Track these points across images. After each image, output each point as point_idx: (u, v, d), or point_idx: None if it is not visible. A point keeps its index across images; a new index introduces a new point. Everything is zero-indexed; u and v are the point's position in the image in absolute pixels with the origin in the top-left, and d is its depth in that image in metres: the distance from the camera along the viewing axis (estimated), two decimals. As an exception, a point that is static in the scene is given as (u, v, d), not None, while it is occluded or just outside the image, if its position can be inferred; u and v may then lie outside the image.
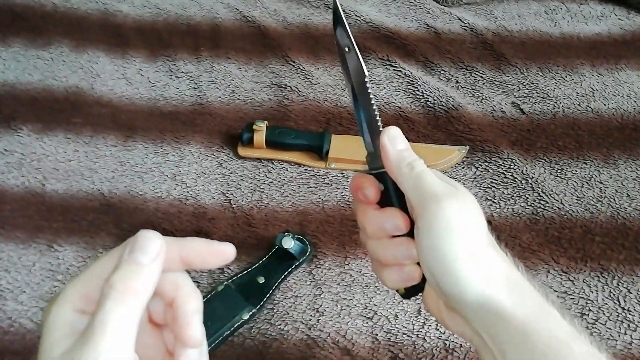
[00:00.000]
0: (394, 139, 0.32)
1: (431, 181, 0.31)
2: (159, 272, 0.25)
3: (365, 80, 0.34)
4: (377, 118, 0.34)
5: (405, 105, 0.70)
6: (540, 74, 0.73)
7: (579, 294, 0.54)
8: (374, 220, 0.33)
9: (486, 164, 0.64)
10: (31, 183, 0.61)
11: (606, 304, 0.53)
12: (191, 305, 0.26)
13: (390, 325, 0.51)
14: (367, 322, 0.52)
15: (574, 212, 0.60)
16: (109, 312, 0.23)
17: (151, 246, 0.25)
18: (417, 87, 0.71)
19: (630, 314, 0.52)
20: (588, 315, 0.52)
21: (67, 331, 0.24)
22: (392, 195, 0.33)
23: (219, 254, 0.28)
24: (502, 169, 0.63)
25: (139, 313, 0.24)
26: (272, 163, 0.64)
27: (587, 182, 0.62)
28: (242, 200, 0.61)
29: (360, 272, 0.55)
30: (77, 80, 0.71)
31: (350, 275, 0.55)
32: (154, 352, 0.28)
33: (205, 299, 0.50)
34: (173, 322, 0.26)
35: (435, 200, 0.30)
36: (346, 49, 0.34)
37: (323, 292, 0.54)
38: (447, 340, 0.50)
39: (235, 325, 0.50)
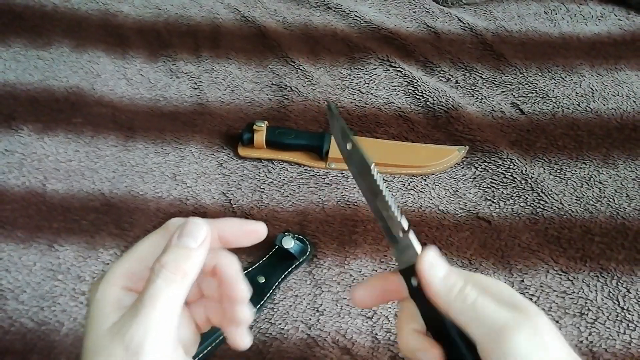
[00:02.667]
0: (433, 267, 0.27)
1: (492, 310, 0.26)
2: (205, 256, 0.27)
3: (372, 168, 0.30)
4: (394, 204, 0.30)
5: (405, 106, 0.70)
6: (540, 74, 0.74)
7: (578, 293, 0.54)
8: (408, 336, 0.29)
9: (486, 164, 0.64)
10: (32, 183, 0.61)
11: (605, 303, 0.53)
12: (234, 266, 0.29)
13: (390, 324, 0.51)
14: (367, 322, 0.52)
15: (573, 212, 0.60)
16: (160, 289, 0.25)
17: (199, 232, 0.27)
18: (416, 88, 0.71)
19: (629, 314, 0.52)
20: (587, 314, 0.52)
21: (114, 306, 0.25)
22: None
23: (252, 232, 0.30)
24: (501, 169, 0.63)
25: (185, 292, 0.26)
26: (272, 163, 0.64)
27: (586, 182, 0.63)
28: (243, 200, 0.61)
29: (360, 271, 0.55)
30: (77, 81, 0.71)
31: (350, 275, 0.55)
32: (186, 328, 0.29)
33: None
34: (221, 284, 0.28)
35: (502, 333, 0.25)
36: (348, 147, 0.31)
37: (323, 291, 0.54)
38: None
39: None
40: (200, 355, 0.48)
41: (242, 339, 0.29)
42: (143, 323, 0.24)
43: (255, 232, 0.30)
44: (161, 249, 0.27)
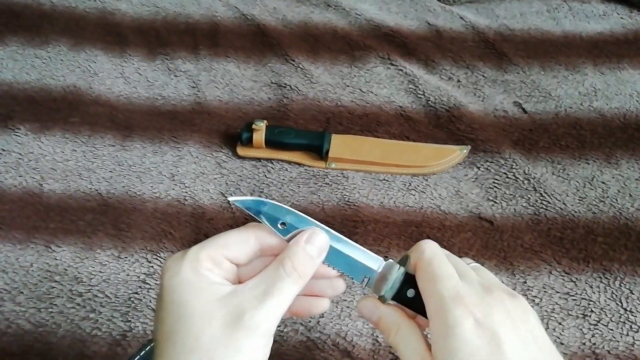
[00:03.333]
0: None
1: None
2: (318, 265, 0.31)
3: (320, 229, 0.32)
4: (359, 245, 0.32)
5: (407, 105, 0.69)
6: (542, 73, 0.73)
7: (581, 294, 0.53)
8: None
9: (488, 163, 0.64)
10: (29, 183, 0.60)
11: (608, 305, 0.53)
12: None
13: (391, 326, 0.51)
14: (367, 324, 0.51)
15: (576, 212, 0.59)
16: (288, 287, 0.29)
17: (323, 245, 0.31)
18: (418, 86, 0.70)
19: (632, 315, 0.52)
20: (590, 316, 0.52)
21: (206, 281, 0.29)
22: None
23: (333, 286, 0.34)
24: (504, 168, 0.63)
25: (299, 291, 0.30)
26: (272, 163, 0.64)
27: (589, 182, 0.62)
28: (242, 201, 0.60)
29: (360, 273, 0.55)
30: (74, 79, 0.70)
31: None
32: None
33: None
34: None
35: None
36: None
37: (323, 293, 0.53)
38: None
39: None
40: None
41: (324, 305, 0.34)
42: (266, 309, 0.28)
43: (333, 287, 0.33)
44: (240, 244, 0.31)
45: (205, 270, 0.29)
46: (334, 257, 0.32)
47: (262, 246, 0.31)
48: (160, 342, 0.28)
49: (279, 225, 0.31)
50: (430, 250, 0.31)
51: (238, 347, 0.27)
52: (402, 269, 0.31)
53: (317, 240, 0.31)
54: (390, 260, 0.32)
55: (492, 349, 0.25)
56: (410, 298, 0.31)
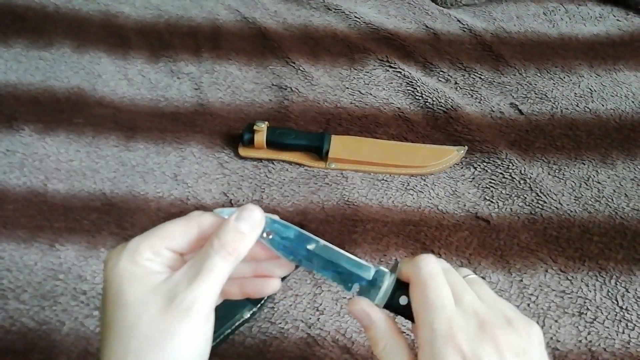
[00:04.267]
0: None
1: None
2: (255, 240, 0.31)
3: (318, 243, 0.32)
4: (351, 255, 0.32)
5: (405, 106, 0.70)
6: (539, 74, 0.74)
7: (577, 293, 0.54)
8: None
9: (485, 164, 0.64)
10: (33, 183, 0.61)
11: (604, 303, 0.53)
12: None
13: (390, 324, 0.52)
14: (366, 321, 0.52)
15: (572, 211, 0.60)
16: (217, 264, 0.29)
17: (254, 218, 0.30)
18: (416, 88, 0.71)
19: (628, 313, 0.53)
20: (586, 314, 0.53)
21: (144, 272, 0.29)
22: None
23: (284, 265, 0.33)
24: (500, 169, 0.64)
25: (233, 269, 0.30)
26: (273, 163, 0.64)
27: (585, 182, 0.63)
28: (243, 200, 0.61)
29: (359, 271, 0.55)
30: (78, 81, 0.71)
31: (350, 274, 0.55)
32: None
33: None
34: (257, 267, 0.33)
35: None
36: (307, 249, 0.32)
37: (323, 291, 0.54)
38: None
39: (236, 324, 0.51)
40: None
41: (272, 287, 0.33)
42: (196, 289, 0.28)
43: (284, 265, 0.33)
44: (181, 234, 0.30)
45: (145, 261, 0.29)
46: (323, 266, 0.32)
47: (204, 234, 0.31)
48: (103, 332, 0.28)
49: (264, 235, 0.31)
50: (427, 269, 0.29)
51: (174, 329, 0.27)
52: (394, 277, 0.31)
53: (247, 215, 0.30)
54: (381, 268, 0.32)
55: None
56: (402, 306, 0.30)
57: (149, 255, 0.29)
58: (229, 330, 0.50)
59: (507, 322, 0.28)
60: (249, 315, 0.51)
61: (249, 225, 0.30)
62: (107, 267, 0.29)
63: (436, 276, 0.29)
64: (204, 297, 0.28)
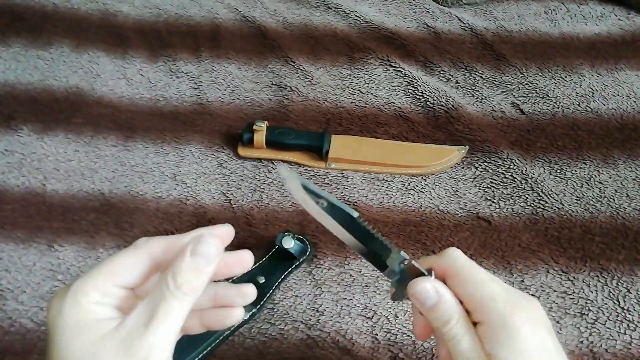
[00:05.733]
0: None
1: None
2: (212, 273, 0.29)
3: (355, 217, 0.32)
4: (389, 242, 0.33)
5: (405, 106, 0.70)
6: (540, 74, 0.74)
7: (578, 293, 0.54)
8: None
9: (486, 164, 0.64)
10: (31, 183, 0.61)
11: (606, 303, 0.53)
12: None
13: (390, 325, 0.51)
14: (367, 322, 0.52)
15: (573, 212, 0.60)
16: (173, 307, 0.27)
17: (211, 253, 0.28)
18: (417, 88, 0.71)
19: (629, 314, 0.52)
20: (588, 315, 0.52)
21: (91, 317, 0.26)
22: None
23: (238, 263, 0.31)
24: (501, 169, 0.63)
25: (191, 306, 0.28)
26: (272, 163, 0.64)
27: (586, 182, 0.62)
28: (242, 200, 0.61)
29: (360, 272, 0.55)
30: (77, 81, 0.71)
31: (350, 275, 0.55)
32: None
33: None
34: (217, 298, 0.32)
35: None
36: (324, 203, 0.31)
37: (323, 292, 0.54)
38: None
39: (236, 325, 0.50)
40: (200, 356, 0.48)
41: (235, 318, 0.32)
42: (153, 336, 0.26)
43: (241, 262, 0.31)
44: (129, 268, 0.28)
45: (92, 304, 0.27)
46: (369, 241, 0.32)
47: (156, 262, 0.29)
48: None
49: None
50: (463, 257, 0.32)
51: None
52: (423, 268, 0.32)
53: (203, 249, 0.28)
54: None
55: (544, 345, 0.30)
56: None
57: (96, 297, 0.27)
58: (228, 332, 0.50)
59: (522, 296, 0.31)
60: (248, 316, 0.51)
61: (205, 261, 0.28)
62: (50, 315, 0.26)
63: (472, 261, 0.32)
64: (162, 344, 0.26)
